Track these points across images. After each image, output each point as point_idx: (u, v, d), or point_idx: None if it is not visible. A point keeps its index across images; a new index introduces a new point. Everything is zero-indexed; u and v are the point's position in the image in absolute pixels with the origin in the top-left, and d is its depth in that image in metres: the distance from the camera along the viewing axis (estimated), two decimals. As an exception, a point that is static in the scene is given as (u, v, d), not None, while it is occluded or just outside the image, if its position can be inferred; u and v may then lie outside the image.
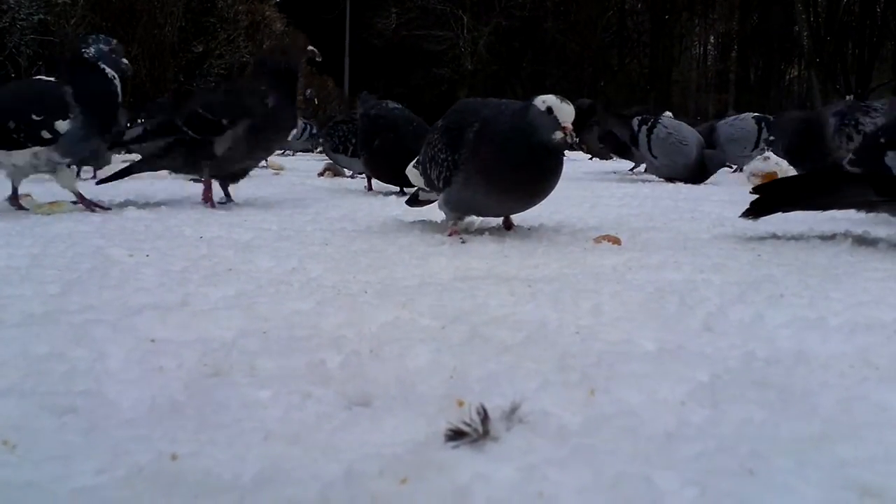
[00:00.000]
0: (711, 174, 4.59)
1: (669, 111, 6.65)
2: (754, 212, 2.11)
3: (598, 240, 1.97)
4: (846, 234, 2.08)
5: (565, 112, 1.90)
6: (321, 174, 5.40)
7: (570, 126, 1.90)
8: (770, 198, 2.11)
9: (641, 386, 0.85)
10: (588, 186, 4.29)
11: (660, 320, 1.17)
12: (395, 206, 2.91)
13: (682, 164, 4.46)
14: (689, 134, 4.67)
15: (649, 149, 4.59)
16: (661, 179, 4.73)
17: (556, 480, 0.62)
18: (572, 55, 24.59)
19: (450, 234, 2.07)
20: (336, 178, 5.21)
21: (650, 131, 4.62)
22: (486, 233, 2.13)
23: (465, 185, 2.05)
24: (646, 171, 4.79)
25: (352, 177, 5.12)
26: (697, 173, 4.49)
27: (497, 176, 1.99)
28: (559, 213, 2.68)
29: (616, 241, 1.96)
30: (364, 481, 0.62)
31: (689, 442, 0.71)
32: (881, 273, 1.56)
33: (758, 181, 3.97)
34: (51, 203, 2.60)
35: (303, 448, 0.71)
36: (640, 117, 4.79)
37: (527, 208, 2.18)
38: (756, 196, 2.13)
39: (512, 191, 2.05)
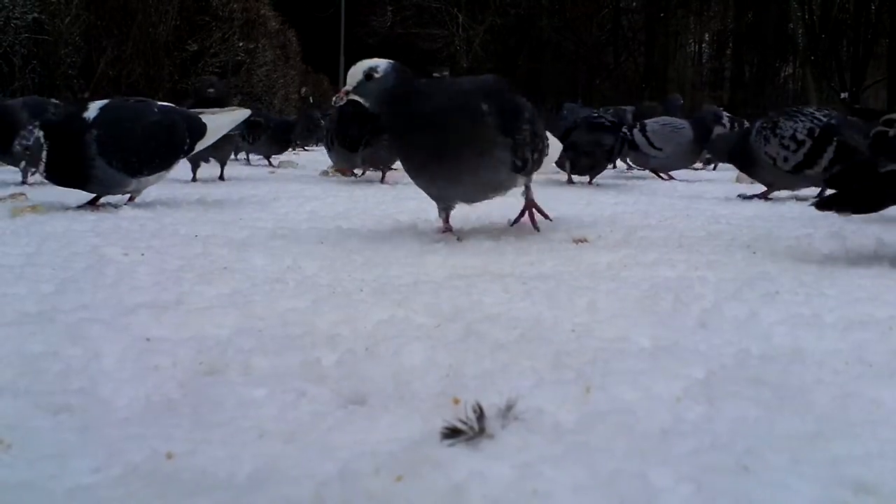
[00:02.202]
0: (711, 133, 4.65)
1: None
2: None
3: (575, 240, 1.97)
4: (840, 232, 2.08)
5: (349, 76, 1.87)
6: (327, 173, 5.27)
7: (344, 89, 1.86)
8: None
9: (636, 383, 0.85)
10: (583, 184, 4.29)
11: (655, 317, 1.17)
12: (390, 205, 2.91)
13: (686, 143, 4.53)
14: (677, 120, 4.84)
15: (652, 145, 4.62)
16: (666, 177, 4.76)
17: (551, 478, 0.62)
18: (567, 53, 24.58)
19: (443, 231, 2.06)
20: (336, 174, 5.12)
21: (643, 130, 4.65)
22: (481, 230, 2.13)
23: (414, 175, 2.02)
24: (652, 169, 4.81)
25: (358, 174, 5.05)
26: (700, 146, 4.59)
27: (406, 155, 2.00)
28: (554, 211, 2.68)
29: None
30: (359, 479, 0.62)
31: (685, 439, 0.71)
32: (875, 270, 1.56)
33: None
34: (30, 207, 2.60)
35: (298, 446, 0.71)
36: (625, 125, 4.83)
37: (467, 186, 2.00)
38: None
39: (426, 167, 1.97)
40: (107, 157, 2.52)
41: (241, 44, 12.37)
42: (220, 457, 0.68)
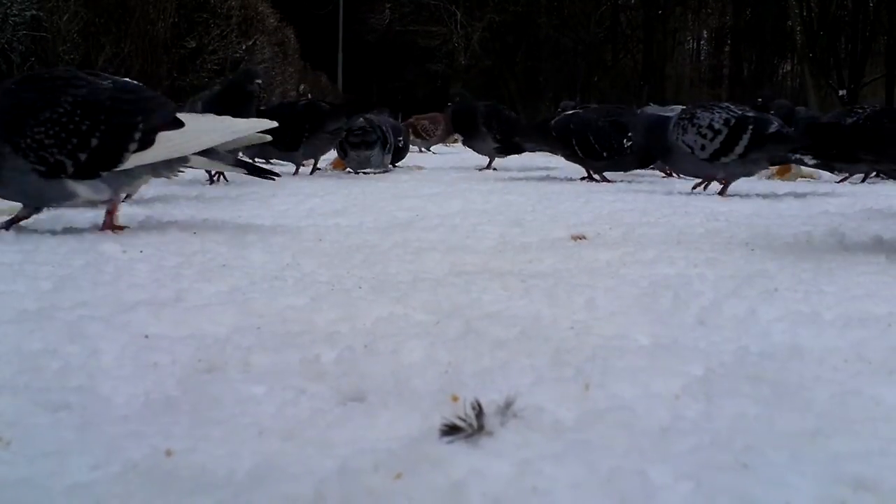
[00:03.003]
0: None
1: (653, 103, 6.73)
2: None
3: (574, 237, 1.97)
4: (839, 229, 2.08)
5: None
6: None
7: None
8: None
9: (636, 380, 0.85)
10: (582, 181, 4.29)
11: (654, 315, 1.17)
12: (388, 202, 2.91)
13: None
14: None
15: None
16: (666, 175, 4.77)
17: (550, 475, 0.62)
18: (566, 50, 24.56)
19: None
20: (336, 169, 5.13)
21: None
22: (482, 225, 2.13)
23: None
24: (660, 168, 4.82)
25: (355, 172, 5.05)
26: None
27: None
28: (553, 209, 2.68)
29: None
30: (359, 477, 0.62)
31: (684, 436, 0.71)
32: (874, 267, 1.56)
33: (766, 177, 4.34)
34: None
35: (297, 444, 0.71)
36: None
37: None
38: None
39: None
40: None
41: (239, 41, 12.35)
42: (219, 454, 0.68)
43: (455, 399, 0.78)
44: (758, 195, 3.43)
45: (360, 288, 1.35)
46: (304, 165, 4.67)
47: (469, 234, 2.02)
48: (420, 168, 5.64)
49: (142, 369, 0.92)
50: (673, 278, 1.45)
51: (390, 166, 5.09)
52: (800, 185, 4.04)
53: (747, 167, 3.38)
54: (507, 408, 0.74)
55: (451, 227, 2.19)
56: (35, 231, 2.01)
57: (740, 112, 3.35)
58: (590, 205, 2.90)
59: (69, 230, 2.05)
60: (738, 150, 3.27)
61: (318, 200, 2.97)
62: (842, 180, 4.26)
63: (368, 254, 1.72)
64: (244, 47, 12.45)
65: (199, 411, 0.79)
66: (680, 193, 3.51)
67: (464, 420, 0.70)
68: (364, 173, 4.68)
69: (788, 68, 27.02)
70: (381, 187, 3.73)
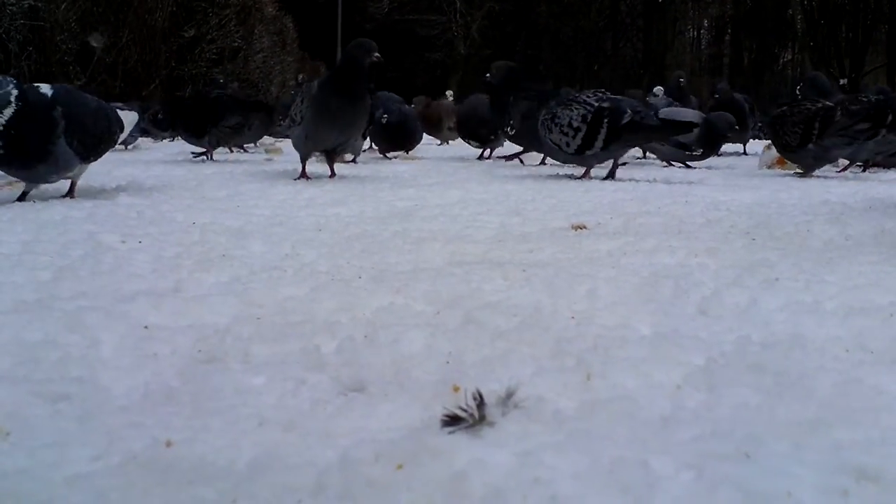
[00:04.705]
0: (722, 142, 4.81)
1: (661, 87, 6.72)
2: None
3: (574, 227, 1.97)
4: (840, 218, 2.08)
5: None
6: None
7: None
8: None
9: (637, 370, 0.85)
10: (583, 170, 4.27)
11: (655, 304, 1.17)
12: (388, 192, 2.91)
13: (692, 138, 4.55)
14: (688, 111, 4.89)
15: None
16: (664, 163, 4.77)
17: (552, 465, 0.62)
18: (566, 39, 24.49)
19: None
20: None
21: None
22: (482, 215, 2.13)
23: None
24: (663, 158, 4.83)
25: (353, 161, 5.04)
26: (710, 145, 4.65)
27: None
28: (553, 198, 2.67)
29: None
30: (360, 467, 0.62)
31: (686, 426, 0.71)
32: (875, 256, 1.56)
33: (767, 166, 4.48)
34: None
35: (298, 434, 0.71)
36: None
37: None
38: None
39: None
40: (69, 136, 2.40)
41: (237, 30, 12.30)
42: (219, 445, 0.68)
43: (456, 389, 0.78)
44: (758, 185, 3.42)
45: (360, 278, 1.34)
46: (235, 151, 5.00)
47: (469, 224, 2.02)
48: (419, 158, 5.63)
49: (141, 360, 0.92)
50: (674, 268, 1.45)
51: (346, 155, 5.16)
52: (799, 175, 4.03)
53: (613, 154, 3.55)
54: (508, 398, 0.73)
55: (451, 216, 2.19)
56: (33, 222, 2.01)
57: (597, 104, 3.45)
58: (590, 194, 2.89)
59: (68, 221, 2.04)
60: (598, 144, 3.43)
61: (317, 190, 2.96)
62: (842, 169, 4.25)
63: (368, 244, 1.72)
64: (242, 36, 12.41)
65: (199, 402, 0.79)
66: (680, 183, 3.50)
67: (465, 410, 0.70)
68: (353, 162, 4.67)
69: (789, 57, 26.93)
70: (381, 177, 3.72)
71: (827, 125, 3.81)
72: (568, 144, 3.50)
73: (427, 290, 1.24)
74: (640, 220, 2.13)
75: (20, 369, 0.88)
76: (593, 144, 3.43)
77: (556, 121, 3.53)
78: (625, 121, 3.39)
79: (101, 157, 2.66)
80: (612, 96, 3.54)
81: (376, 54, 3.27)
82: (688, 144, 4.51)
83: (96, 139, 2.55)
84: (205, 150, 4.75)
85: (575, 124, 3.46)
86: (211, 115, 4.55)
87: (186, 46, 11.46)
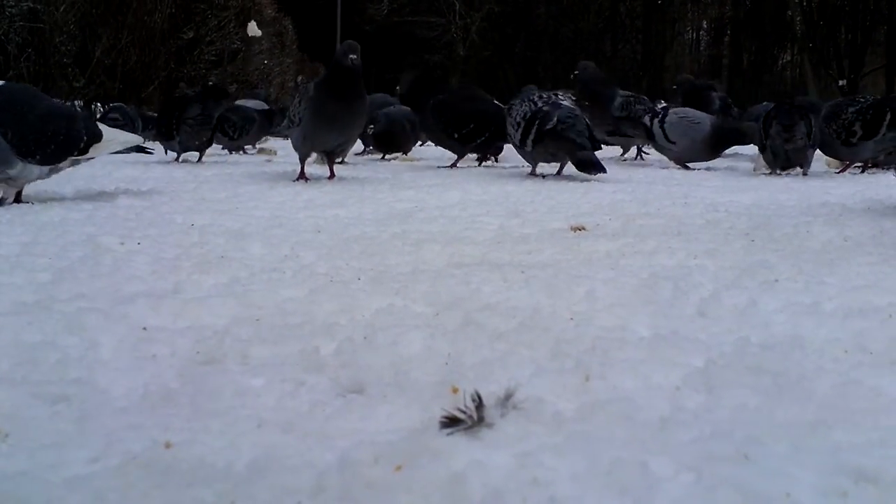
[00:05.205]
0: (727, 147, 4.80)
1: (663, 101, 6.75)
2: None
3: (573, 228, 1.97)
4: (839, 219, 2.08)
5: None
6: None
7: None
8: None
9: (636, 372, 0.85)
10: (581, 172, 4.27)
11: (654, 306, 1.17)
12: (387, 193, 2.90)
13: (700, 139, 4.57)
14: (699, 114, 4.88)
15: (666, 137, 4.64)
16: (672, 166, 4.77)
17: (551, 467, 0.62)
18: (565, 41, 24.51)
19: None
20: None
21: (662, 122, 4.67)
22: (481, 216, 2.13)
23: None
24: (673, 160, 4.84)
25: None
26: (714, 148, 4.66)
27: None
28: (552, 199, 2.67)
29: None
30: (359, 469, 0.62)
31: (685, 427, 0.71)
32: (874, 258, 1.56)
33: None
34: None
35: (297, 436, 0.71)
36: (649, 113, 4.89)
37: None
38: None
39: None
40: (3, 127, 2.31)
41: (236, 31, 12.31)
42: (218, 446, 0.68)
43: (455, 391, 0.78)
44: (757, 186, 3.42)
45: (359, 280, 1.34)
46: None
47: (468, 226, 2.02)
48: (417, 160, 5.63)
49: (140, 361, 0.92)
50: (673, 269, 1.45)
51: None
52: (800, 176, 4.03)
53: (545, 157, 3.78)
54: (507, 399, 0.73)
55: (450, 218, 2.18)
56: (32, 223, 2.01)
57: (539, 105, 3.69)
58: (589, 195, 2.89)
59: (66, 222, 2.04)
60: (529, 143, 3.70)
61: (316, 192, 2.96)
62: (841, 171, 4.25)
63: (367, 245, 1.72)
64: (242, 38, 12.41)
65: (198, 403, 0.79)
66: (679, 184, 3.50)
67: (464, 412, 0.70)
68: (341, 163, 4.67)
69: (788, 58, 26.94)
70: (380, 178, 3.72)
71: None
72: (512, 136, 3.86)
73: (426, 291, 1.24)
74: (640, 221, 2.13)
75: (19, 371, 0.88)
76: (526, 141, 3.70)
77: (512, 112, 3.85)
78: (548, 127, 3.60)
79: (60, 161, 2.51)
80: (558, 101, 3.74)
81: (352, 56, 3.21)
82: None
83: (45, 137, 2.40)
84: (177, 152, 4.73)
85: (517, 119, 3.76)
86: (175, 112, 4.63)
87: (185, 48, 11.47)
